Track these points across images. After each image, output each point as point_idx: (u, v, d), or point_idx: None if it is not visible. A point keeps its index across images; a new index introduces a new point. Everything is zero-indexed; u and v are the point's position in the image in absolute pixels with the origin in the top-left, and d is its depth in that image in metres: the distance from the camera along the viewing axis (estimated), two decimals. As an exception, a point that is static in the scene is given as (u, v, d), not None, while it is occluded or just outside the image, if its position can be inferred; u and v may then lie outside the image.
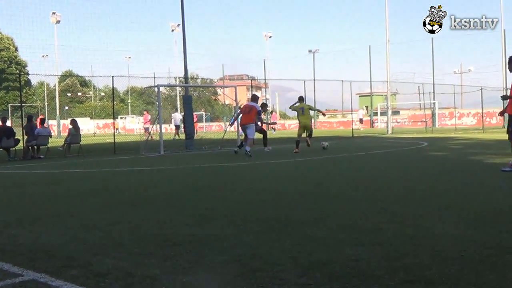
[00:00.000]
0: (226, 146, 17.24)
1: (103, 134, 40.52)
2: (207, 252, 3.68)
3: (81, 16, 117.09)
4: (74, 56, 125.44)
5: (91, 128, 49.33)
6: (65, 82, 76.50)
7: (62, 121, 44.34)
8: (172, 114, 33.27)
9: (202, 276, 3.17)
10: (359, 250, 3.59)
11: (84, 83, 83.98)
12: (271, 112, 42.02)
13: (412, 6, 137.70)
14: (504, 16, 47.23)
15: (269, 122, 26.15)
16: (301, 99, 15.26)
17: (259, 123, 15.61)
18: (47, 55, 62.09)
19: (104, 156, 15.67)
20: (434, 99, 41.49)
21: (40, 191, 7.86)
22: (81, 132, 18.17)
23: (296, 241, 3.95)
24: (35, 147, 15.88)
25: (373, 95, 52.04)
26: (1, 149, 15.27)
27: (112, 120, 39.51)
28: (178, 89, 49.77)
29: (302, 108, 14.82)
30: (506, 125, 12.48)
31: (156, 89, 18.46)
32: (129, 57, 73.79)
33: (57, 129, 41.66)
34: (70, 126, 17.97)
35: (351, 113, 34.75)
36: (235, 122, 17.43)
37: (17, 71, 64.94)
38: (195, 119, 24.76)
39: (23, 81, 58.55)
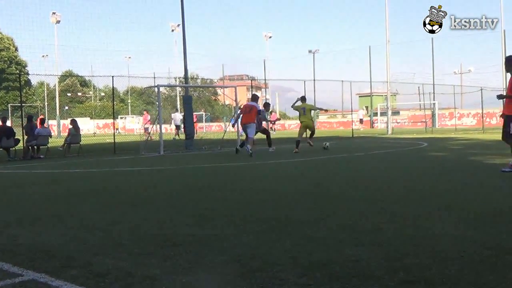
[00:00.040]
0: (226, 146, 17.24)
1: (103, 134, 40.54)
2: (207, 252, 3.67)
3: (81, 16, 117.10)
4: (74, 56, 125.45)
5: (91, 128, 49.36)
6: (65, 82, 76.54)
7: (62, 121, 44.38)
8: (172, 114, 33.28)
9: (202, 276, 3.17)
10: (359, 250, 3.59)
11: (84, 83, 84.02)
12: (271, 112, 41.99)
13: (412, 6, 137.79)
14: (504, 16, 47.36)
15: (271, 120, 25.98)
16: (303, 99, 15.16)
17: (263, 123, 15.61)
18: (47, 55, 62.20)
19: (104, 156, 15.67)
20: (434, 100, 41.49)
21: (40, 191, 7.86)
22: (81, 132, 18.19)
23: (296, 241, 3.94)
24: (35, 147, 15.89)
25: (373, 95, 52.05)
26: (1, 149, 15.27)
27: (112, 120, 39.56)
28: (178, 89, 49.82)
29: (303, 108, 14.80)
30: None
31: (156, 89, 18.46)
32: (129, 57, 73.92)
33: (57, 129, 41.67)
34: (70, 126, 17.99)
35: (351, 114, 34.70)
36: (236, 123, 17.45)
37: (17, 71, 64.97)
38: (194, 119, 24.75)
39: (23, 81, 58.55)
